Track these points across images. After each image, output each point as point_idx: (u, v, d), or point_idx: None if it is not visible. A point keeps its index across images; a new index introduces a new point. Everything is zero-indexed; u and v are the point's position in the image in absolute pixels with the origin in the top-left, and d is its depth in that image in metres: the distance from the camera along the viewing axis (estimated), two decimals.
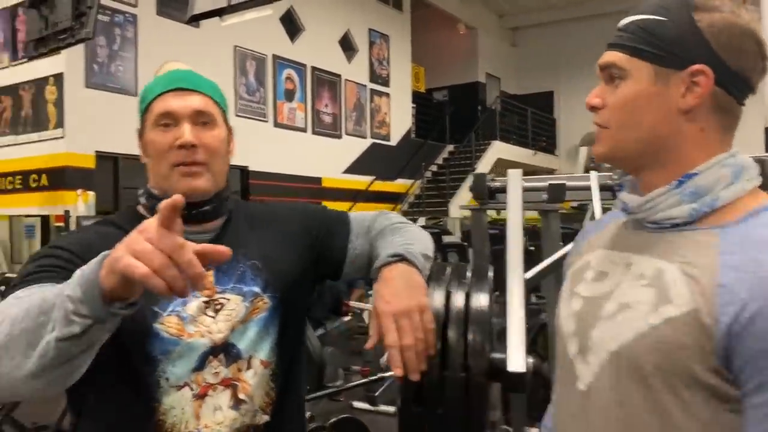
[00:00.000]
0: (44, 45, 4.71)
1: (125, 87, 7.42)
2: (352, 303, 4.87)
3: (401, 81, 12.27)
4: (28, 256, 7.96)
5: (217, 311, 1.05)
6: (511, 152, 13.59)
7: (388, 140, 11.84)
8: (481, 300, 1.03)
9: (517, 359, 1.09)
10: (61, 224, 7.12)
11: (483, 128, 13.31)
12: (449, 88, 14.86)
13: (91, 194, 6.88)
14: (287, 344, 1.12)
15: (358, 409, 4.32)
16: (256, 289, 1.08)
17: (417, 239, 1.11)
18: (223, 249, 0.73)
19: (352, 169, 10.86)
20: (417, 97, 13.17)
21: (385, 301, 0.94)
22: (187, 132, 1.04)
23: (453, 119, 13.81)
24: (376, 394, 4.48)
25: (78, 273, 0.75)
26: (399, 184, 11.89)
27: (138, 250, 0.68)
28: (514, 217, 1.29)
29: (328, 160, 10.37)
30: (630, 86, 0.85)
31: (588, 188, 1.77)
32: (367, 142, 11.29)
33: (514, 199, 1.34)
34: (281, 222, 1.20)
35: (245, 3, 3.63)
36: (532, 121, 14.64)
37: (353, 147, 11.01)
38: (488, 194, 1.54)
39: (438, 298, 1.03)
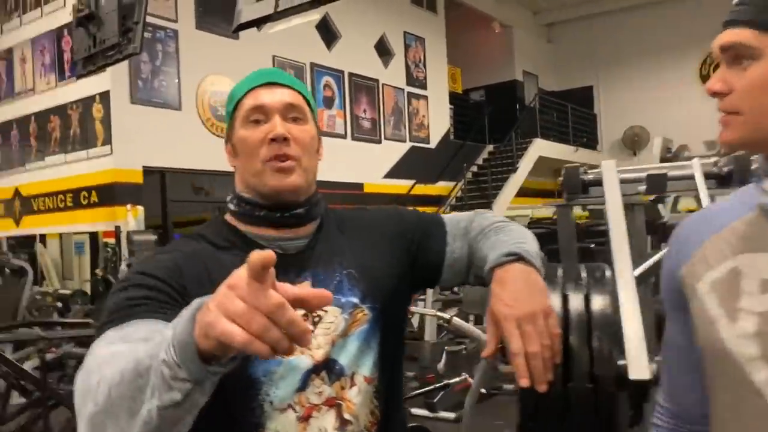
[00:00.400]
0: (92, 63, 4.76)
1: (169, 101, 7.51)
2: (412, 308, 4.80)
3: (438, 83, 12.18)
4: (78, 273, 8.16)
5: (315, 325, 0.99)
6: (553, 149, 13.37)
7: (427, 143, 11.76)
8: (604, 302, 0.95)
9: (640, 366, 1.01)
10: (111, 240, 7.24)
11: (522, 126, 13.13)
12: (486, 87, 14.70)
13: (140, 209, 6.97)
14: (388, 358, 1.06)
15: (416, 416, 4.25)
16: (355, 300, 1.02)
17: (526, 238, 1.03)
18: (324, 294, 0.65)
19: (393, 173, 10.81)
20: (454, 99, 13.06)
21: (506, 304, 0.88)
22: (279, 125, 1.00)
23: (491, 119, 13.65)
24: (435, 400, 4.40)
25: (170, 333, 0.67)
26: (440, 187, 11.79)
27: (232, 312, 0.60)
28: (615, 210, 1.20)
29: (369, 165, 10.34)
30: (764, 66, 0.76)
31: (690, 177, 1.65)
32: (407, 146, 11.24)
33: (612, 190, 1.26)
34: (375, 227, 1.14)
35: (291, 9, 3.58)
36: (573, 117, 14.39)
37: (393, 151, 10.96)
38: (582, 188, 1.45)
39: (554, 302, 0.96)
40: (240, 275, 0.61)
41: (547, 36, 16.17)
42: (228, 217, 1.08)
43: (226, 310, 0.60)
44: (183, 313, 0.67)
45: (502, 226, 1.09)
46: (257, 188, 1.01)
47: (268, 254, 0.58)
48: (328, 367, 0.98)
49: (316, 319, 0.98)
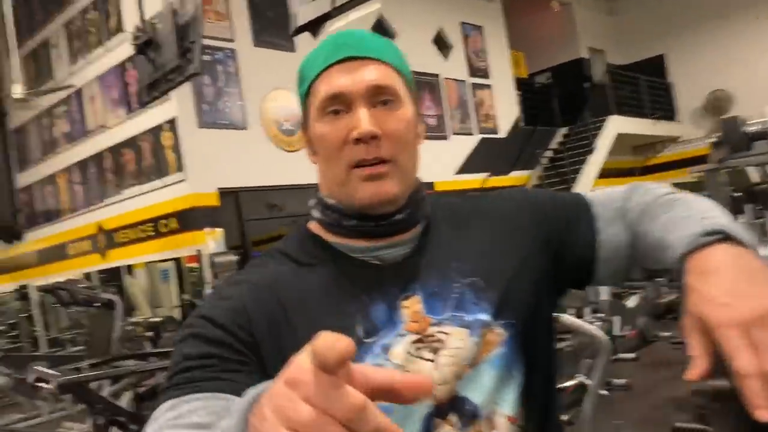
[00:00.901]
0: (156, 89, 4.73)
1: (234, 122, 7.49)
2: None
3: (501, 70, 11.79)
4: (166, 299, 8.26)
5: (435, 352, 0.77)
6: (630, 125, 12.71)
7: (497, 133, 11.38)
8: None
9: None
10: (194, 264, 7.27)
11: (594, 105, 12.55)
12: (552, 69, 14.16)
13: (219, 231, 6.96)
14: (537, 388, 0.82)
15: None
16: (484, 317, 0.79)
17: (714, 209, 0.76)
18: (424, 384, 0.42)
19: (464, 168, 10.49)
20: (520, 84, 12.61)
21: (720, 304, 0.61)
22: (364, 120, 0.77)
23: (560, 101, 13.12)
24: None
25: None
26: (515, 177, 11.39)
27: (296, 421, 0.39)
28: None
29: (438, 162, 10.06)
30: None
31: None
32: (475, 139, 10.90)
33: None
34: (501, 219, 0.89)
35: (348, 3, 3.40)
36: (646, 89, 13.65)
37: (462, 146, 10.65)
38: (746, 143, 1.15)
39: None
40: (302, 365, 0.40)
41: (609, 9, 15.45)
42: (312, 225, 0.88)
43: (287, 418, 0.40)
44: (233, 409, 0.49)
45: (674, 199, 0.82)
46: (343, 200, 0.82)
47: (345, 346, 0.38)
48: (456, 408, 0.77)
49: (436, 345, 0.77)
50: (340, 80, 0.79)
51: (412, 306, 0.78)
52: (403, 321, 0.77)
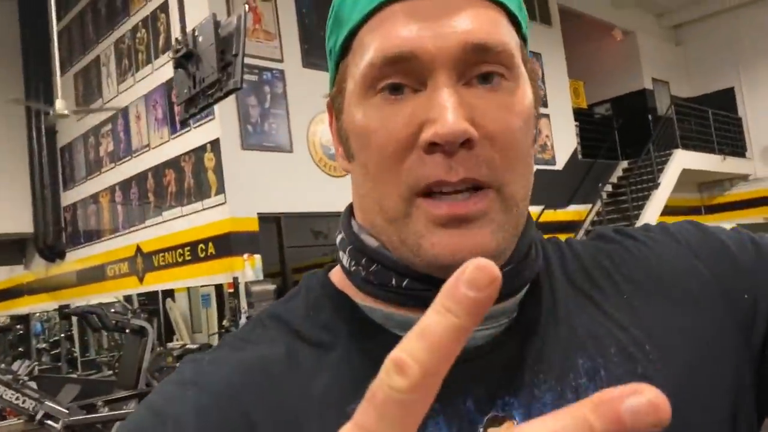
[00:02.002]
0: (194, 104, 4.44)
1: (280, 144, 7.21)
2: None
3: (560, 99, 11.30)
4: (206, 325, 8.01)
5: None
6: (697, 160, 12.01)
7: (553, 164, 10.85)
8: None
9: None
10: (232, 291, 6.96)
11: (658, 138, 11.91)
12: (612, 100, 13.59)
13: (257, 258, 6.65)
14: None
15: None
16: None
17: None
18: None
19: None
20: (579, 115, 12.09)
21: None
22: (450, 108, 0.43)
23: (621, 133, 12.54)
24: None
25: None
26: (572, 211, 10.80)
27: None
28: None
29: None
30: None
31: None
32: None
33: None
34: (672, 288, 0.51)
35: None
36: (715, 124, 12.92)
37: None
38: None
39: None
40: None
41: (674, 39, 14.82)
42: (337, 277, 0.54)
43: None
44: None
45: None
46: (399, 252, 0.48)
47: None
48: None
49: None
50: (407, 29, 0.45)
51: None
52: None
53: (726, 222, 14.52)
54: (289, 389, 0.47)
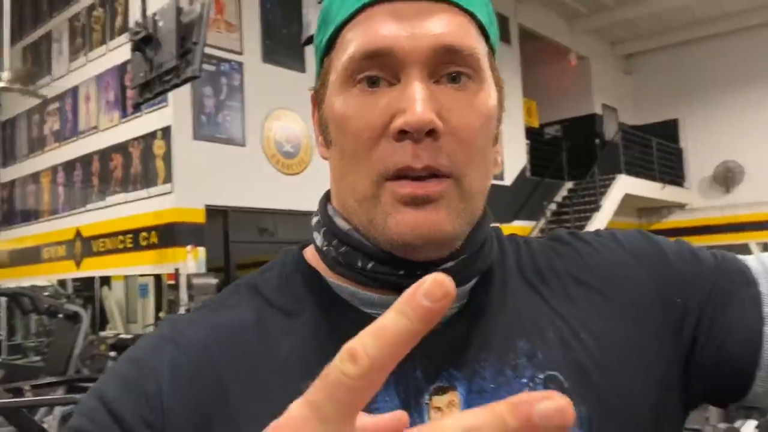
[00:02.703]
0: (149, 89, 4.36)
1: (233, 137, 7.13)
2: None
3: (513, 116, 11.53)
4: (141, 316, 7.84)
5: None
6: (638, 187, 12.43)
7: (503, 180, 11.06)
8: None
9: None
10: (173, 282, 6.83)
11: (603, 162, 12.29)
12: (563, 122, 13.95)
13: (201, 250, 6.55)
14: None
15: None
16: None
17: None
18: None
19: None
20: (530, 133, 12.37)
21: None
22: (419, 99, 0.48)
23: (569, 154, 12.89)
24: None
25: None
26: (517, 227, 11.03)
27: None
28: None
29: None
30: None
31: None
32: None
33: None
34: (610, 283, 0.57)
35: None
36: (657, 153, 13.41)
37: None
38: None
39: None
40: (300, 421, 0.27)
41: (626, 68, 15.34)
42: (310, 255, 0.59)
43: None
44: None
45: None
46: (367, 230, 0.53)
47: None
48: None
49: None
50: (385, 29, 0.50)
51: (446, 408, 0.50)
52: None
53: None
54: (259, 353, 0.52)
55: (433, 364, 0.51)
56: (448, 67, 0.50)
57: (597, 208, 11.25)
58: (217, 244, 7.04)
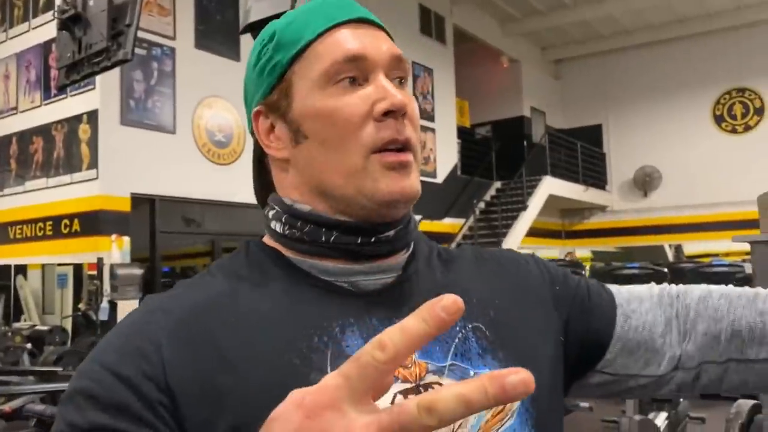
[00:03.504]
0: (77, 71, 4.18)
1: (162, 124, 6.94)
2: None
3: (446, 115, 11.72)
4: (59, 307, 7.51)
5: None
6: (562, 188, 12.88)
7: (434, 177, 11.23)
8: None
9: None
10: (94, 272, 6.59)
11: (530, 164, 12.67)
12: (493, 123, 14.27)
13: (126, 240, 6.36)
14: None
15: None
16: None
17: None
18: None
19: None
20: (461, 133, 12.60)
21: None
22: (394, 91, 0.63)
23: (498, 155, 13.20)
24: None
25: None
26: (447, 224, 11.23)
27: None
28: None
29: None
30: None
31: None
32: None
33: None
34: (511, 269, 0.76)
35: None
36: (581, 156, 13.93)
37: None
38: None
39: None
40: (321, 395, 0.36)
41: (555, 72, 15.84)
42: (268, 240, 0.70)
43: None
44: None
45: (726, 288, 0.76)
46: (353, 197, 0.64)
47: (452, 301, 0.36)
48: None
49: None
50: (356, 42, 0.64)
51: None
52: None
53: (583, 248, 15.67)
54: (240, 309, 0.61)
55: (384, 314, 0.64)
56: (397, 72, 0.66)
57: (524, 208, 11.59)
58: (143, 234, 6.85)
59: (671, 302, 0.76)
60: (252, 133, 0.71)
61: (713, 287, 0.77)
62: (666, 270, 7.35)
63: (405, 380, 0.61)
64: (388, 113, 0.62)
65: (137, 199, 6.67)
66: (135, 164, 6.60)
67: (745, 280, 5.49)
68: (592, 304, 0.75)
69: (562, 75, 15.72)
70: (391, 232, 0.66)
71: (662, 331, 0.74)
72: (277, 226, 0.68)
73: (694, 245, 14.02)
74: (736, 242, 1.34)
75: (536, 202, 11.92)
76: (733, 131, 13.76)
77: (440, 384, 0.62)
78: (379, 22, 0.68)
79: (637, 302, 0.76)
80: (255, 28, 3.50)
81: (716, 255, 12.13)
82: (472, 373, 0.64)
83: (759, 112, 13.51)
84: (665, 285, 0.79)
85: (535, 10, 13.18)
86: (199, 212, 7.57)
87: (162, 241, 7.02)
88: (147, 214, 6.86)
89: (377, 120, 0.62)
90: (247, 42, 7.81)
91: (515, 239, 11.21)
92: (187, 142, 7.16)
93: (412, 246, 0.71)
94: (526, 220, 11.62)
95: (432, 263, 0.72)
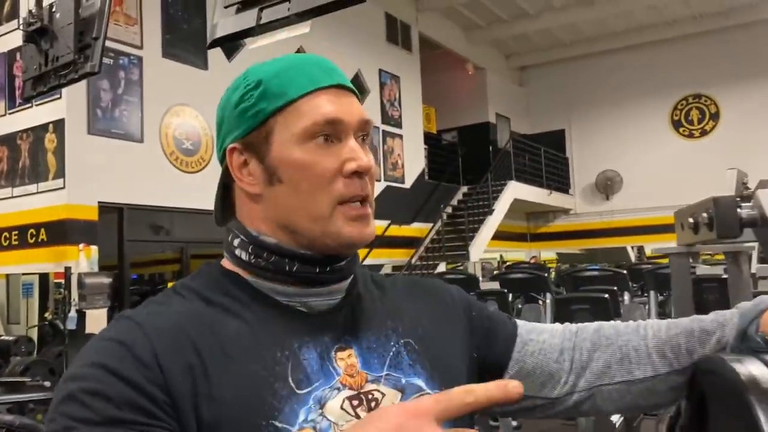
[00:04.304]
0: (44, 83, 4.22)
1: (130, 133, 6.96)
2: None
3: (413, 122, 11.88)
4: (25, 317, 7.42)
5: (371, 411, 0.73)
6: (527, 192, 13.15)
7: (403, 183, 11.38)
8: None
9: None
10: (61, 281, 6.58)
11: (496, 169, 12.91)
12: (459, 129, 14.49)
13: (94, 249, 6.35)
14: None
15: None
16: (418, 382, 0.77)
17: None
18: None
19: None
20: (428, 139, 12.78)
21: None
22: (362, 152, 0.75)
23: (464, 160, 13.42)
24: None
25: None
26: (415, 228, 11.38)
27: None
28: None
29: None
30: None
31: None
32: (381, 185, 10.81)
33: None
34: (432, 294, 0.90)
35: (275, 22, 3.14)
36: (545, 161, 14.24)
37: None
38: (739, 228, 1.01)
39: None
40: (419, 406, 0.52)
41: (519, 79, 16.14)
42: (227, 265, 0.79)
43: None
44: None
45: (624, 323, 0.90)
46: (319, 238, 0.75)
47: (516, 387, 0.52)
48: None
49: (373, 404, 0.72)
50: (335, 106, 0.74)
51: (347, 359, 0.74)
52: (338, 374, 0.72)
53: (548, 250, 15.98)
54: (213, 328, 0.70)
55: (335, 334, 0.75)
56: (362, 133, 0.77)
57: (490, 212, 11.80)
58: (111, 243, 6.84)
59: (570, 336, 0.89)
60: (221, 161, 0.79)
61: (603, 323, 0.91)
62: (625, 272, 7.58)
63: (351, 388, 0.72)
64: (355, 174, 0.73)
65: (105, 208, 6.67)
66: (102, 173, 6.60)
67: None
68: (497, 331, 0.89)
69: (526, 82, 16.03)
70: (343, 263, 0.77)
71: (557, 358, 0.87)
72: (242, 255, 0.76)
73: (655, 246, 14.39)
74: (656, 252, 1.48)
75: (502, 206, 12.15)
76: (690, 136, 14.20)
77: (379, 391, 0.73)
78: (353, 87, 0.78)
79: (536, 333, 0.89)
80: (220, 43, 3.60)
81: None
82: (403, 381, 0.75)
83: (714, 117, 13.97)
84: (567, 324, 0.93)
85: (499, 18, 13.43)
86: (168, 220, 7.59)
87: (130, 250, 7.03)
88: (115, 223, 6.86)
89: (345, 177, 0.73)
90: (215, 51, 7.86)
91: (482, 243, 11.42)
92: (154, 150, 7.18)
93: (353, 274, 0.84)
94: (492, 223, 11.83)
95: (368, 287, 0.84)
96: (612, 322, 0.90)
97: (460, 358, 0.83)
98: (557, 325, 0.92)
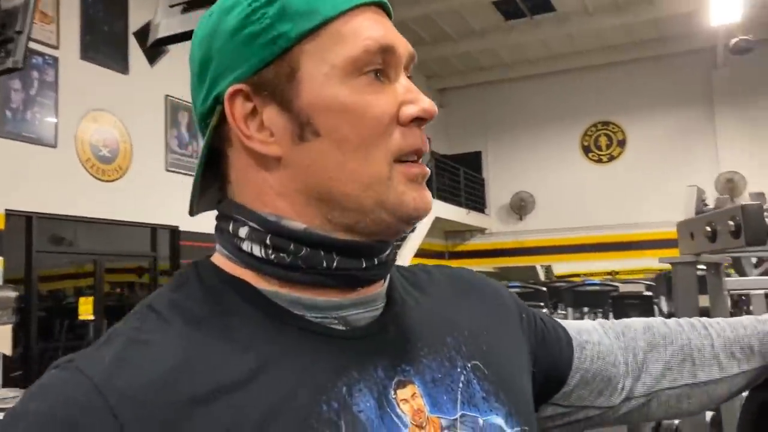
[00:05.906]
0: None
1: (42, 137, 6.53)
2: None
3: None
4: None
5: None
6: (447, 211, 13.37)
7: None
8: None
9: None
10: None
11: None
12: None
13: None
14: None
15: None
16: (499, 421, 0.58)
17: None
18: None
19: None
20: None
21: None
22: (420, 93, 0.56)
23: None
24: None
25: None
26: None
27: None
28: None
29: None
30: None
31: None
32: None
33: None
34: (489, 295, 0.71)
35: None
36: (464, 181, 14.56)
37: None
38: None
39: None
40: None
41: (439, 100, 16.45)
42: (228, 267, 0.55)
43: None
44: None
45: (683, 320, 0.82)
46: (371, 210, 0.53)
47: None
48: None
49: None
50: (385, 30, 0.55)
51: (411, 400, 0.54)
52: (405, 423, 0.52)
53: (466, 266, 16.27)
54: (214, 377, 0.48)
55: (389, 362, 0.55)
56: (407, 72, 0.59)
57: (412, 230, 11.86)
58: (18, 254, 6.37)
59: (617, 335, 0.77)
60: (204, 117, 0.56)
61: (649, 319, 0.80)
62: (545, 289, 7.82)
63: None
64: (417, 120, 0.55)
65: (12, 216, 6.21)
66: (11, 179, 6.15)
67: (619, 298, 5.98)
68: (551, 336, 0.73)
69: (446, 103, 16.37)
70: (389, 252, 0.58)
71: (614, 361, 0.74)
72: (253, 249, 0.54)
73: (563, 266, 14.97)
74: (662, 263, 1.50)
75: (423, 224, 12.25)
76: (599, 161, 14.92)
77: None
78: (390, 10, 0.59)
79: (587, 334, 0.76)
80: (164, 43, 3.44)
81: (582, 275, 13.04)
82: (481, 422, 0.56)
83: (621, 144, 14.75)
84: (603, 320, 0.81)
85: (421, 39, 13.68)
86: (81, 231, 7.16)
87: (39, 261, 6.56)
88: (23, 233, 6.40)
89: (403, 125, 0.54)
90: (137, 56, 7.56)
91: (404, 259, 11.48)
92: (69, 156, 6.77)
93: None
94: (413, 241, 11.93)
95: (406, 289, 0.64)
96: (658, 318, 0.81)
97: (526, 378, 0.67)
98: (594, 322, 0.80)
